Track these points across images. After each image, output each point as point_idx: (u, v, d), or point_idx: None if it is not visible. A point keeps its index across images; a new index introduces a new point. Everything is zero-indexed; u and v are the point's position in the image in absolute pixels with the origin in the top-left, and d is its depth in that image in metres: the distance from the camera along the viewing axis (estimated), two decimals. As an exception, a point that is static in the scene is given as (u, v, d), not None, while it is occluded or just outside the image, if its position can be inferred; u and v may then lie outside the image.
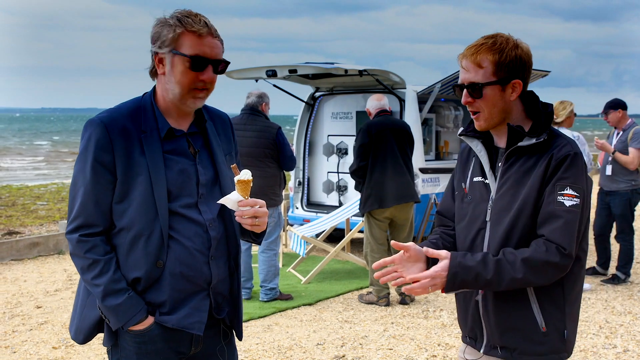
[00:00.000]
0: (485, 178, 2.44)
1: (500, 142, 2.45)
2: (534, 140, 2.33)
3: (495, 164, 2.44)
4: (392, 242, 2.45)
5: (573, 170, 2.27)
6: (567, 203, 2.25)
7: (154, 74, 2.46)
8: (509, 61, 2.32)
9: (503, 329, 2.39)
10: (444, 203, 2.66)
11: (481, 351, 2.48)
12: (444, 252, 2.31)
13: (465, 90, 2.37)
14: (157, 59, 2.39)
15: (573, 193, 2.26)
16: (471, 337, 2.54)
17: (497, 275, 2.25)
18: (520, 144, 2.35)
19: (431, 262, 2.36)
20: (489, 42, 2.33)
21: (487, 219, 2.40)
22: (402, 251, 2.38)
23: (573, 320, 2.43)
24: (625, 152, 7.47)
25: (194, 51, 2.35)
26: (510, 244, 2.32)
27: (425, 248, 2.36)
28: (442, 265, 2.28)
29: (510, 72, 2.33)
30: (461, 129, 2.53)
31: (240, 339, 2.67)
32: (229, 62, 2.44)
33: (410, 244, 2.39)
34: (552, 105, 2.42)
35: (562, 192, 2.26)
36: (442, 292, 2.30)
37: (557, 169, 2.28)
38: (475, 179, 2.48)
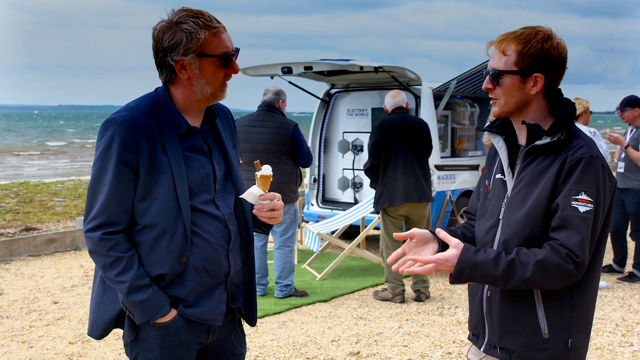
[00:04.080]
0: (504, 175, 2.41)
1: (522, 139, 2.39)
2: (549, 139, 2.27)
3: (515, 161, 2.41)
4: (394, 234, 2.42)
5: (587, 174, 2.21)
6: (582, 209, 2.19)
7: (171, 80, 2.45)
8: (532, 53, 2.26)
9: (504, 329, 2.34)
10: (471, 202, 2.63)
11: (481, 349, 2.44)
12: (455, 241, 2.25)
13: (488, 77, 2.35)
14: (178, 66, 2.38)
15: (587, 198, 2.19)
16: (474, 334, 2.51)
17: (506, 275, 2.19)
18: (537, 142, 2.30)
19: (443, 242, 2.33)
20: (519, 31, 2.30)
21: (500, 216, 2.37)
22: (408, 240, 2.37)
23: (582, 330, 2.34)
24: (638, 149, 7.42)
25: (221, 50, 2.39)
26: (519, 242, 2.27)
27: (437, 229, 2.33)
28: (449, 255, 2.22)
29: (533, 64, 2.27)
30: (488, 123, 2.51)
31: (253, 325, 2.71)
32: (239, 48, 2.48)
33: (413, 229, 2.37)
34: (573, 103, 2.34)
35: (577, 197, 2.19)
36: (449, 282, 2.28)
37: (571, 173, 2.21)
38: (497, 176, 2.45)
